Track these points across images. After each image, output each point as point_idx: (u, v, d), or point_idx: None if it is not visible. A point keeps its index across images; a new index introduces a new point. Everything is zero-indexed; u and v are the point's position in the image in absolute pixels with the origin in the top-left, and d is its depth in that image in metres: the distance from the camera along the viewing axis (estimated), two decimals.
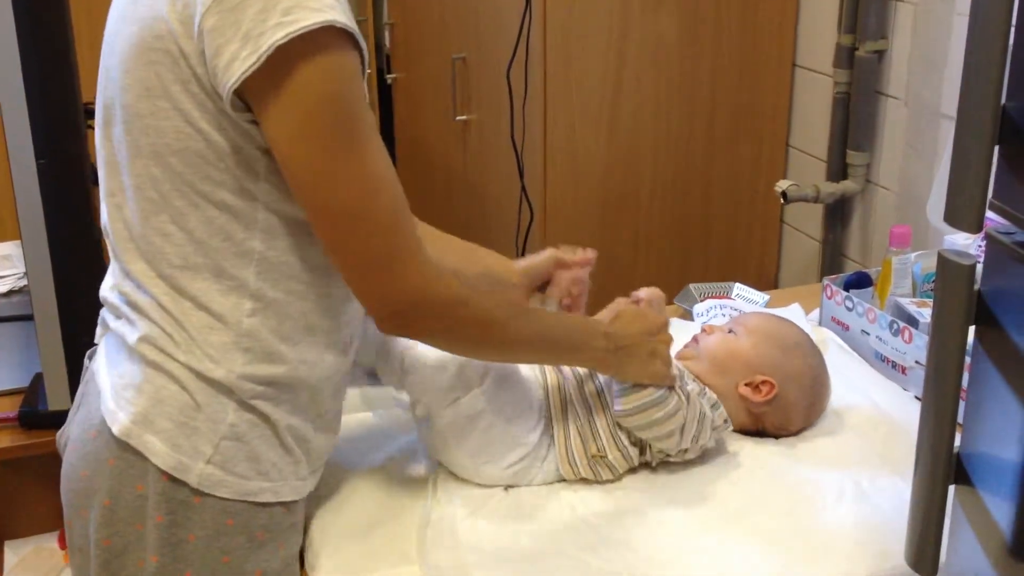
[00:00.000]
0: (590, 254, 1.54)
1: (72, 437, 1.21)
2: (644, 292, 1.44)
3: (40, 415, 1.70)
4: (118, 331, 1.18)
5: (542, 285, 1.54)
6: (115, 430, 1.13)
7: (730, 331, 1.51)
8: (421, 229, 1.43)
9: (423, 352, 1.32)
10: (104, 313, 1.23)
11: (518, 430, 1.35)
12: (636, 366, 1.34)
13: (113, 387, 1.16)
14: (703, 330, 1.54)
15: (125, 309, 1.17)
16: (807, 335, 1.55)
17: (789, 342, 1.51)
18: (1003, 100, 0.86)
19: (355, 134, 1.07)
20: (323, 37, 1.02)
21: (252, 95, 1.04)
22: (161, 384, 1.14)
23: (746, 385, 1.46)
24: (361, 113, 1.08)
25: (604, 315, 1.39)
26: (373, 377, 1.50)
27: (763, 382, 1.46)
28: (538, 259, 1.53)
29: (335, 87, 1.05)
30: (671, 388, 1.35)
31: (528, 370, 1.42)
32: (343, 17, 1.03)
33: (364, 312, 1.20)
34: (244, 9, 1.00)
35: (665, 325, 1.38)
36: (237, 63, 1.01)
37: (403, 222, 1.12)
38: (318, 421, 1.23)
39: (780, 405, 1.47)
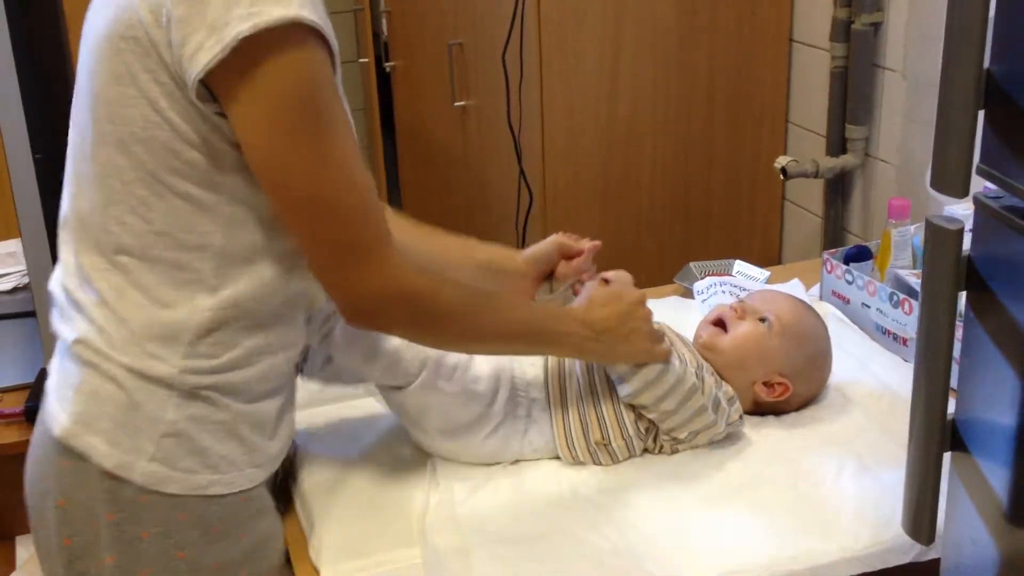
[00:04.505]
0: (594, 243, 1.52)
1: (32, 438, 1.20)
2: (611, 274, 1.42)
3: None
4: (58, 330, 1.17)
5: (549, 273, 1.51)
6: (56, 432, 1.13)
7: (762, 319, 1.48)
8: (413, 228, 1.42)
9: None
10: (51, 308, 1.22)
11: (474, 407, 1.34)
12: (622, 348, 1.32)
13: (57, 387, 1.16)
14: (732, 309, 1.50)
15: (66, 306, 1.16)
16: (826, 329, 1.53)
17: (816, 350, 1.50)
18: (987, 64, 0.86)
19: (322, 129, 1.06)
20: (290, 32, 1.01)
21: (218, 86, 1.03)
22: (98, 384, 1.12)
23: (763, 384, 1.46)
24: (329, 107, 1.07)
25: (578, 303, 1.36)
26: None
27: (779, 383, 1.46)
28: (542, 246, 1.51)
29: (300, 82, 1.04)
30: (667, 360, 1.34)
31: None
32: (310, 13, 1.02)
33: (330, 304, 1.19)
34: None
35: (640, 301, 1.36)
36: (202, 53, 1.00)
37: (371, 217, 1.11)
38: (282, 401, 1.22)
39: (786, 400, 1.48)
